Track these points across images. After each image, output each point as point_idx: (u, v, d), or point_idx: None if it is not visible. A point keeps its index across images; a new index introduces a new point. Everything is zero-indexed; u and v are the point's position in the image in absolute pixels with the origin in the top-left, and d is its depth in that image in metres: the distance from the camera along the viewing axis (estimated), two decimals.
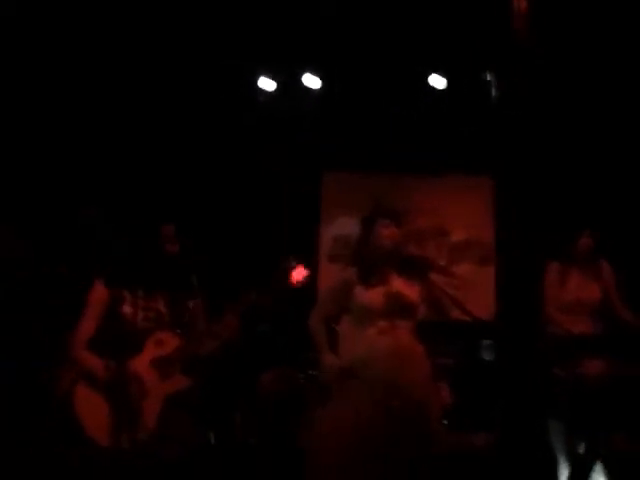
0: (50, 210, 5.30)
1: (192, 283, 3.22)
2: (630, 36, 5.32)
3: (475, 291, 6.04)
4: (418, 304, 3.39)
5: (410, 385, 3.21)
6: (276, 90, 6.31)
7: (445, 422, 4.53)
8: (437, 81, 6.18)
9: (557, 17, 5.32)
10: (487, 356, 5.45)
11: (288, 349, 5.09)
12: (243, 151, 6.24)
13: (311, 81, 6.26)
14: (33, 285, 4.16)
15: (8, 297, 4.02)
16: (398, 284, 3.36)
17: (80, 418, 2.87)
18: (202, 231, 5.69)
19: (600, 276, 4.25)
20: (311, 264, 6.28)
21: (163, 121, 5.96)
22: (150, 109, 5.89)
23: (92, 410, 2.87)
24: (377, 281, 3.34)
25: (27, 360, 3.82)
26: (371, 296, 3.31)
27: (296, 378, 4.84)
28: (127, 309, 2.99)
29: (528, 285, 4.54)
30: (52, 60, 5.47)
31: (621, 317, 4.19)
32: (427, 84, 6.20)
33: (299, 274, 3.19)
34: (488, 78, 5.99)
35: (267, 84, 6.27)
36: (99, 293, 3.02)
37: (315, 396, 4.57)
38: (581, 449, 4.05)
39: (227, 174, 6.22)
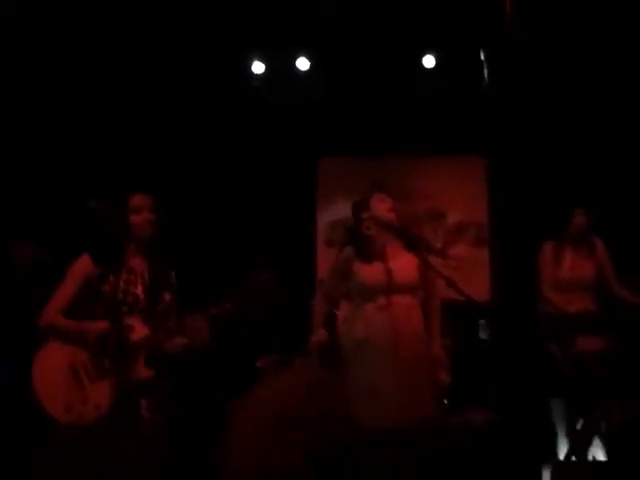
0: (49, 207, 5.31)
1: (170, 278, 3.21)
2: (619, 19, 5.33)
3: (472, 272, 6.09)
4: (417, 279, 3.39)
5: (408, 363, 3.23)
6: (269, 76, 6.30)
7: (445, 402, 4.58)
8: (428, 61, 6.19)
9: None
10: (485, 336, 5.49)
11: (284, 334, 5.12)
12: (238, 140, 6.23)
13: (304, 65, 6.27)
14: (33, 285, 4.18)
15: (8, 297, 4.04)
16: (397, 259, 3.37)
17: (36, 387, 2.91)
18: (194, 225, 5.74)
19: (594, 253, 4.26)
20: (309, 249, 6.48)
21: (154, 109, 5.95)
22: (141, 96, 5.87)
23: (50, 381, 2.92)
24: (376, 257, 3.35)
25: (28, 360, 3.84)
26: (370, 271, 3.32)
27: (291, 364, 4.87)
28: (107, 288, 3.02)
29: (523, 265, 4.57)
30: (52, 60, 5.49)
31: (616, 294, 4.21)
32: (420, 66, 6.20)
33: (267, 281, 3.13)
34: (481, 58, 5.97)
35: (260, 69, 6.27)
36: (83, 266, 3.04)
37: None
38: (579, 425, 4.10)
39: (222, 163, 6.21)
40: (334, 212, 6.47)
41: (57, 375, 2.93)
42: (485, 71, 5.88)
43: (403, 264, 3.37)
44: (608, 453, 4.04)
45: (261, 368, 4.91)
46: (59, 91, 5.59)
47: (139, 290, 3.08)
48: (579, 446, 4.04)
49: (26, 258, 4.19)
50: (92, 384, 2.94)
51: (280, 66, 6.29)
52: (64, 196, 5.21)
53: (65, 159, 5.61)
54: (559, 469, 4.00)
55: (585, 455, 4.04)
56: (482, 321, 5.49)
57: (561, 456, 4.14)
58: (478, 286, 5.81)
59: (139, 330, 3.02)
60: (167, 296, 3.14)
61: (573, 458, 4.04)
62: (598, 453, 4.06)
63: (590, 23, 5.39)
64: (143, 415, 2.99)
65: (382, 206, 3.39)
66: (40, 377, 2.93)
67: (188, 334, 3.04)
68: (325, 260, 6.30)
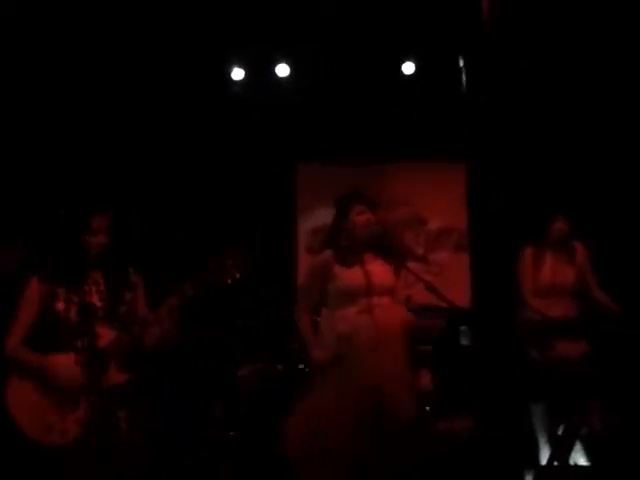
0: (37, 209, 5.25)
1: (129, 276, 3.19)
2: (601, 19, 5.38)
3: (453, 278, 6.12)
4: (395, 284, 3.42)
5: (390, 368, 3.23)
6: (249, 80, 6.30)
7: (427, 408, 4.59)
8: (408, 68, 6.22)
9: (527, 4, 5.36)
10: (466, 342, 5.51)
11: (266, 341, 5.10)
12: (215, 144, 6.22)
13: (284, 71, 6.27)
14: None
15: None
16: (375, 266, 3.39)
17: (13, 412, 2.91)
18: (172, 224, 5.73)
19: (574, 259, 4.29)
20: (289, 257, 6.46)
21: (131, 108, 5.95)
22: (119, 92, 5.88)
23: (25, 404, 2.92)
24: (354, 262, 3.36)
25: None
26: (351, 275, 3.33)
27: (273, 372, 4.86)
28: (60, 305, 3.01)
29: (503, 270, 4.59)
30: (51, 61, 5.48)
31: (596, 299, 4.24)
32: (399, 72, 6.22)
33: (236, 269, 3.08)
34: (460, 65, 6.01)
35: (240, 74, 6.27)
36: (34, 289, 3.03)
37: (297, 388, 4.61)
38: (560, 430, 4.11)
39: (203, 167, 6.20)
40: (315, 219, 6.43)
41: (30, 397, 2.92)
42: (463, 77, 5.91)
43: (380, 267, 3.40)
44: (589, 458, 4.06)
45: (242, 377, 4.89)
46: (53, 93, 5.59)
47: (95, 298, 3.06)
48: (561, 451, 4.04)
49: (11, 265, 4.16)
50: (68, 400, 2.92)
51: (259, 72, 6.28)
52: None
53: (71, 160, 5.62)
54: (541, 474, 4.02)
55: (567, 460, 4.05)
56: (463, 327, 5.51)
57: (543, 461, 4.15)
58: (459, 292, 5.82)
59: (105, 336, 3.02)
60: (128, 296, 3.13)
61: (555, 463, 4.05)
62: (579, 458, 4.08)
63: (575, 25, 5.42)
64: (122, 427, 2.98)
65: (360, 219, 3.39)
66: (14, 402, 2.92)
67: (159, 324, 3.03)
68: (305, 266, 6.28)
